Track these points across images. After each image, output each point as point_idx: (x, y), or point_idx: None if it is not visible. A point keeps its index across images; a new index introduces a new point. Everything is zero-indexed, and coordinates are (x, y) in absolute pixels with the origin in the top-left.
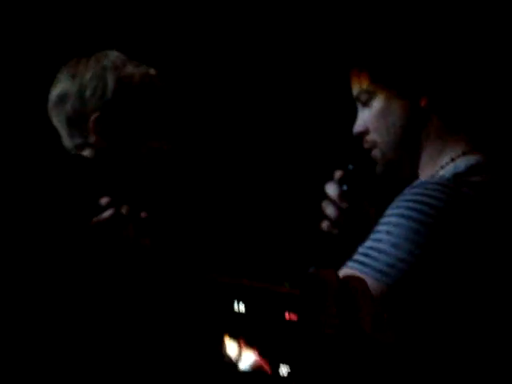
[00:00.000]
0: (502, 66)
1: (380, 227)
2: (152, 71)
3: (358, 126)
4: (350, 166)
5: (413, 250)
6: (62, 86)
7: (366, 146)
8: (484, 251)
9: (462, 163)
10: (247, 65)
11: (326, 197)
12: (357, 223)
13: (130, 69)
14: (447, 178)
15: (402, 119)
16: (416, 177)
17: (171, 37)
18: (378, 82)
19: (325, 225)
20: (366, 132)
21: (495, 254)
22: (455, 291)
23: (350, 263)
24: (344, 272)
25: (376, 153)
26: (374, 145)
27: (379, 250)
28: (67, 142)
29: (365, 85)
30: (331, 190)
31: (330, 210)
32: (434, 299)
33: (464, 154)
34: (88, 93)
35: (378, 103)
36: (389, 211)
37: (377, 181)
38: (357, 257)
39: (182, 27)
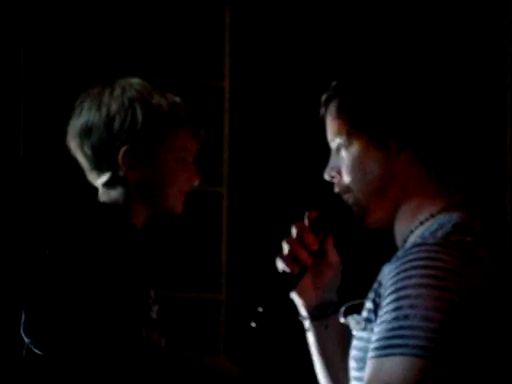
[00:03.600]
0: (477, 123)
1: (397, 303)
2: (178, 99)
3: (332, 170)
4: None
5: (443, 317)
6: (86, 117)
7: (338, 190)
8: (500, 303)
9: (444, 220)
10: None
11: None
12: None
13: (157, 99)
14: (440, 238)
15: (379, 168)
16: (388, 228)
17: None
18: (357, 129)
19: (290, 268)
20: (338, 177)
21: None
22: (490, 348)
23: (379, 351)
24: (379, 364)
25: (348, 198)
26: (348, 190)
27: (411, 327)
28: (92, 175)
29: (342, 130)
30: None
31: (301, 254)
32: (476, 359)
33: (444, 210)
34: (116, 124)
35: (354, 150)
36: (397, 283)
37: (344, 227)
38: (385, 342)
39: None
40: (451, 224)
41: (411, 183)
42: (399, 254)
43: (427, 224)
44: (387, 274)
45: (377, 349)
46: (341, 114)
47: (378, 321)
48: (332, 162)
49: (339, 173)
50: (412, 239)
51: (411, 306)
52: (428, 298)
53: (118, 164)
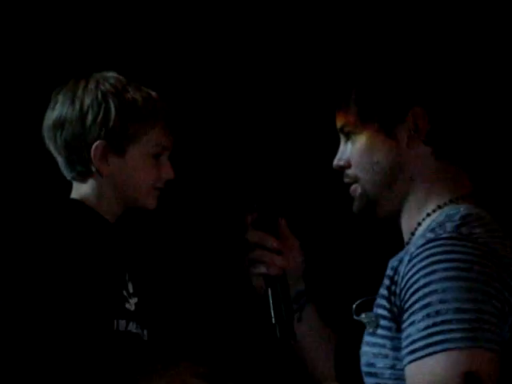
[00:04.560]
0: (492, 112)
1: (425, 300)
2: (154, 94)
3: (340, 160)
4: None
5: (475, 306)
6: (59, 110)
7: (347, 180)
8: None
9: (451, 212)
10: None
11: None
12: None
13: (131, 93)
14: (453, 232)
15: (387, 158)
16: (395, 220)
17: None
18: (366, 119)
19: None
20: (347, 166)
21: None
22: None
23: (418, 353)
24: (420, 366)
25: (356, 188)
26: (355, 180)
27: (446, 322)
28: (65, 169)
29: (352, 120)
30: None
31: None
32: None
33: (451, 201)
34: (89, 119)
35: (363, 139)
36: (419, 281)
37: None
38: (422, 342)
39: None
40: (459, 216)
41: (420, 174)
42: (411, 250)
43: (434, 215)
44: (402, 272)
45: (414, 351)
46: (350, 104)
47: (406, 323)
48: (340, 151)
49: (348, 163)
50: (420, 231)
51: (441, 301)
52: (456, 289)
53: (90, 158)
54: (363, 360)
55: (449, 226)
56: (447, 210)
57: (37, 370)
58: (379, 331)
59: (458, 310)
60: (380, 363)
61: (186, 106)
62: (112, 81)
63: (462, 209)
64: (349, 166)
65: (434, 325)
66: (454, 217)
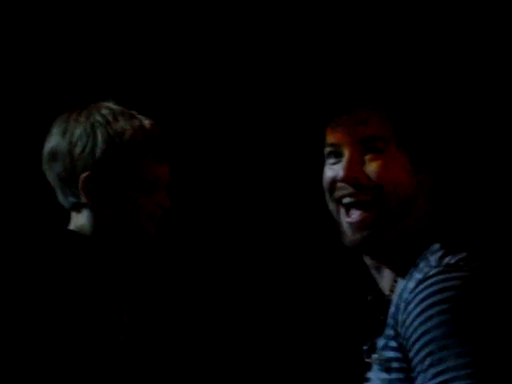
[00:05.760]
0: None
1: (426, 349)
2: (147, 123)
3: (355, 171)
4: None
5: (475, 347)
6: (52, 142)
7: (364, 195)
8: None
9: (433, 247)
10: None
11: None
12: None
13: (121, 124)
14: (439, 266)
15: (409, 181)
16: (399, 247)
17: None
18: (400, 139)
19: None
20: (360, 178)
21: None
22: None
23: None
24: None
25: (371, 202)
26: (377, 193)
27: (451, 369)
28: (62, 199)
29: (385, 135)
30: None
31: None
32: None
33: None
34: (77, 151)
35: (392, 157)
36: (419, 329)
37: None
38: None
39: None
40: (438, 246)
41: (425, 207)
42: (405, 296)
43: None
44: (400, 319)
45: None
46: (387, 120)
47: (415, 373)
48: (354, 161)
49: (364, 174)
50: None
51: (441, 348)
52: (453, 334)
53: (79, 190)
54: None
55: (432, 259)
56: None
57: None
58: (392, 375)
59: (458, 355)
60: None
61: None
62: (104, 111)
63: (441, 240)
64: (366, 177)
65: (439, 373)
66: (433, 247)
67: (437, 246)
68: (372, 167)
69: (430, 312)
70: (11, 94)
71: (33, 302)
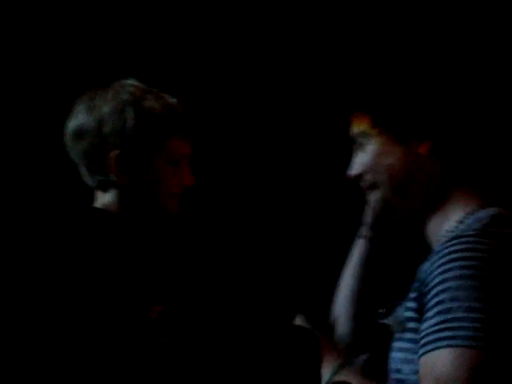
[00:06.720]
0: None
1: (438, 297)
2: (173, 101)
3: (354, 170)
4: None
5: (486, 307)
6: (78, 119)
7: (365, 186)
8: None
9: (481, 215)
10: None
11: None
12: None
13: (150, 102)
14: (478, 229)
15: (400, 163)
16: (421, 229)
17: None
18: (378, 125)
19: None
20: (361, 175)
21: None
22: None
23: (427, 347)
24: (429, 359)
25: (375, 195)
26: (374, 186)
27: (456, 319)
28: (87, 178)
29: (363, 127)
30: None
31: None
32: None
33: (480, 207)
34: (107, 128)
35: (373, 146)
36: (436, 278)
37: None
38: (432, 337)
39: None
40: (489, 216)
41: (432, 182)
42: (437, 247)
43: (467, 221)
44: (426, 270)
45: (425, 345)
46: (365, 111)
47: (423, 319)
48: (356, 158)
49: (363, 169)
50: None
51: (452, 299)
52: (469, 288)
53: (108, 168)
54: (392, 367)
55: (477, 225)
56: (477, 214)
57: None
58: (407, 334)
59: (468, 309)
60: (406, 369)
61: (205, 111)
62: (130, 89)
63: (491, 211)
64: (363, 174)
65: (445, 321)
66: (483, 219)
67: (487, 217)
68: (361, 161)
69: (452, 264)
70: (12, 89)
71: (63, 278)
